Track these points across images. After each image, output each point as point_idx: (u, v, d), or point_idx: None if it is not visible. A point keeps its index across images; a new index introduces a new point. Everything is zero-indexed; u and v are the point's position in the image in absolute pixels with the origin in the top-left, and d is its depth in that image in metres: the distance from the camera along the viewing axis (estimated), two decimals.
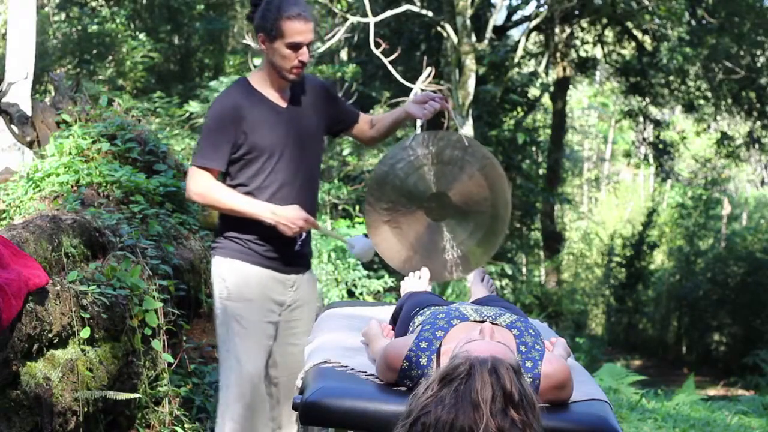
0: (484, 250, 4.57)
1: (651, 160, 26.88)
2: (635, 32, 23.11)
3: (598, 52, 25.51)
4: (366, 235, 4.58)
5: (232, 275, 4.26)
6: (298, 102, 4.29)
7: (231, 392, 4.24)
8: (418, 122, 4.59)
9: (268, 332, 4.30)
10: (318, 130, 4.38)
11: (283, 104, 4.24)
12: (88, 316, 4.68)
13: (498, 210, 4.50)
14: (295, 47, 4.09)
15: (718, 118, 25.73)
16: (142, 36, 21.10)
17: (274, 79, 4.21)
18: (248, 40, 14.55)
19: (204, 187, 4.14)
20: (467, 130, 16.37)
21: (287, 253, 4.30)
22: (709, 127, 26.63)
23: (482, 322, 3.44)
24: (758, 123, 23.16)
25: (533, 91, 23.82)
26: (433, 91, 4.60)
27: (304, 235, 4.30)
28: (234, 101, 4.16)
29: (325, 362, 3.70)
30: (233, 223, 4.25)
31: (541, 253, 25.95)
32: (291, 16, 4.05)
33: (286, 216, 4.12)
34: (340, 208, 17.31)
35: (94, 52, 20.49)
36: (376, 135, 4.62)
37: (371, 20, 16.72)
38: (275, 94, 4.24)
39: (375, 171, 4.53)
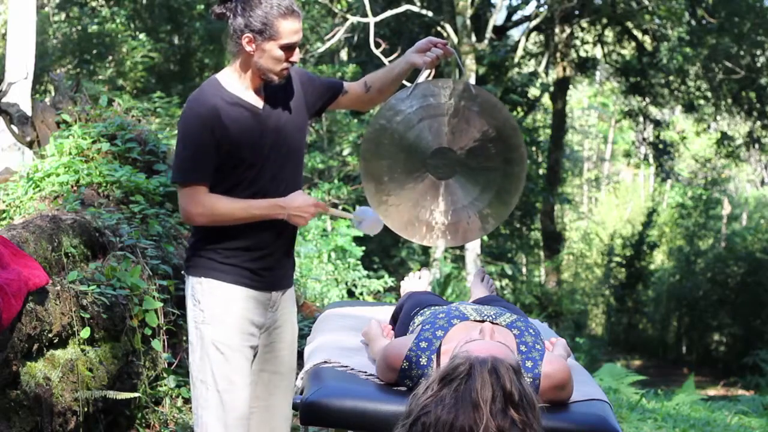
0: (497, 212, 4.08)
1: (651, 160, 26.90)
2: (635, 32, 23.12)
3: (598, 52, 25.53)
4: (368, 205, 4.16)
5: (207, 297, 3.73)
6: (275, 98, 3.76)
7: (212, 430, 3.73)
8: (424, 73, 4.13)
9: (249, 357, 3.77)
10: (299, 125, 3.85)
11: (260, 105, 3.71)
12: (88, 316, 4.68)
13: (513, 167, 4.04)
14: (290, 48, 3.60)
15: (718, 118, 25.75)
16: (142, 36, 21.09)
17: (253, 79, 3.69)
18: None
19: (205, 205, 3.63)
20: None
21: (268, 267, 3.78)
22: (709, 127, 26.64)
23: (482, 321, 3.44)
24: (758, 123, 23.17)
25: (533, 91, 23.84)
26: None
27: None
28: (210, 103, 3.63)
29: (325, 362, 3.70)
30: (206, 236, 3.76)
31: (541, 253, 25.94)
32: (284, 13, 3.56)
33: (296, 206, 3.68)
34: (340, 208, 17.31)
35: (94, 52, 20.46)
36: (376, 95, 4.07)
37: (371, 20, 16.74)
38: (251, 94, 3.71)
39: (371, 125, 4.01)
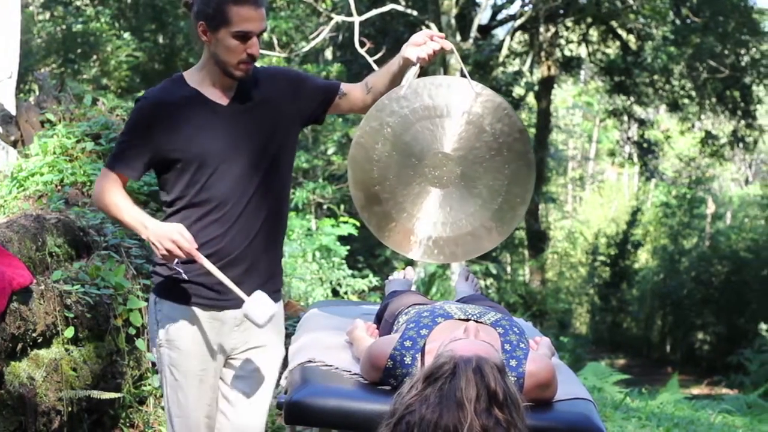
0: (501, 224, 3.68)
1: (635, 159, 26.92)
2: (620, 31, 23.16)
3: (582, 51, 25.55)
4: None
5: (162, 317, 3.54)
6: (245, 99, 3.47)
7: None
8: (412, 69, 3.58)
9: (209, 381, 3.56)
10: (278, 131, 3.52)
11: (224, 102, 3.45)
12: (72, 315, 4.68)
13: (519, 175, 3.64)
14: (243, 37, 3.32)
15: (703, 117, 25.79)
16: (126, 35, 21.04)
17: (217, 75, 3.43)
18: None
19: (101, 190, 3.43)
20: None
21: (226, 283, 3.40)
22: (693, 126, 26.70)
23: (467, 320, 3.44)
24: (742, 122, 23.24)
25: (518, 90, 23.85)
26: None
27: (177, 261, 3.35)
28: (157, 99, 3.43)
29: (310, 361, 3.69)
30: None
31: (526, 252, 25.98)
32: (238, 0, 3.31)
33: (156, 233, 3.27)
34: (324, 207, 17.30)
35: (79, 51, 20.41)
36: (378, 97, 3.65)
37: (356, 19, 16.71)
38: (216, 91, 3.45)
39: (360, 127, 3.62)
